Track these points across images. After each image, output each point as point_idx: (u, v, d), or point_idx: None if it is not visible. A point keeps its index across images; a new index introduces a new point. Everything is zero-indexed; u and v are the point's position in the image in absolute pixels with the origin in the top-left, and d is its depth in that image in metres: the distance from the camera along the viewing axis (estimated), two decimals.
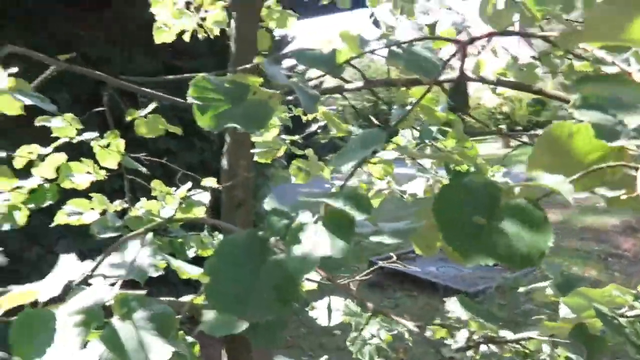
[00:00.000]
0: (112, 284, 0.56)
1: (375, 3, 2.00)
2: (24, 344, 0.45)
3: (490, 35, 0.68)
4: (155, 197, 1.82)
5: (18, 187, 1.41)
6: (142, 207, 1.79)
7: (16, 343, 0.45)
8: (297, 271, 0.47)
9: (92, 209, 1.65)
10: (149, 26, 2.18)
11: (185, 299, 1.16)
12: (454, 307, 1.62)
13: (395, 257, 2.62)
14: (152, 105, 1.53)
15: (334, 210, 0.51)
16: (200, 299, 1.14)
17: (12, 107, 1.20)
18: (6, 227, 1.39)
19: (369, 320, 1.22)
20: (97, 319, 0.48)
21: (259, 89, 0.77)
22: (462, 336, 1.56)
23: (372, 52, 0.68)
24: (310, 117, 2.15)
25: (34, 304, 0.50)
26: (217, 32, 2.23)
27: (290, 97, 1.25)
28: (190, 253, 1.82)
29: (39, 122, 1.45)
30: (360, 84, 0.99)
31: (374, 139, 0.59)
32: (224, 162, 1.34)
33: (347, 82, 1.19)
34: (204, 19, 2.23)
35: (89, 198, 1.63)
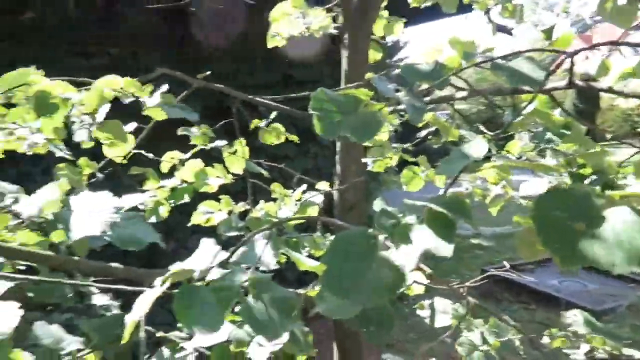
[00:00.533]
0: (247, 268, 0.67)
1: (483, 6, 1.97)
2: (184, 312, 0.57)
3: (596, 46, 0.68)
4: (273, 199, 1.98)
5: (162, 186, 1.65)
6: (261, 208, 1.97)
7: (178, 311, 0.57)
8: (402, 265, 0.53)
9: (220, 210, 1.85)
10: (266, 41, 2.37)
11: (301, 291, 1.27)
12: (573, 320, 1.55)
13: (508, 266, 2.53)
14: (272, 115, 1.68)
15: (436, 212, 0.56)
16: (313, 292, 1.24)
17: (161, 117, 1.43)
18: (153, 219, 1.62)
19: (467, 315, 1.23)
20: (237, 296, 0.58)
21: (370, 102, 0.85)
22: (582, 350, 1.49)
23: (477, 65, 0.72)
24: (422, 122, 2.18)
25: (188, 280, 0.62)
26: (318, 35, 2.35)
27: (401, 106, 1.31)
28: (304, 253, 1.95)
29: (180, 132, 1.67)
30: (465, 93, 1.02)
31: (477, 149, 0.63)
32: (337, 167, 1.43)
33: (458, 88, 1.21)
34: (309, 27, 2.37)
35: (217, 200, 1.84)
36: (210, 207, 1.77)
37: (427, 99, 1.17)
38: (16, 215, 0.76)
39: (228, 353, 1.08)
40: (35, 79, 1.25)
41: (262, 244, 0.91)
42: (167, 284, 0.58)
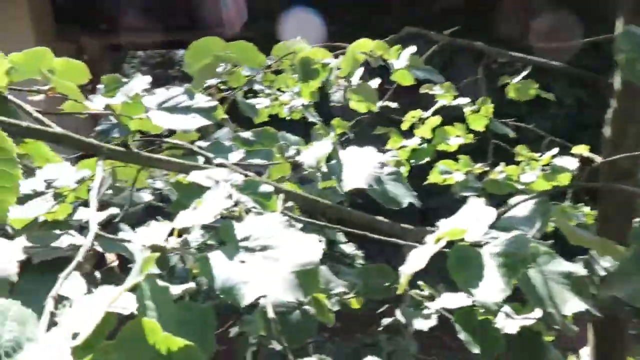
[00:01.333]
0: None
1: None
2: (461, 273, 0.55)
3: None
4: (515, 162, 1.83)
5: (403, 146, 1.68)
6: (502, 171, 1.84)
7: (454, 271, 0.56)
8: None
9: (458, 170, 1.80)
10: None
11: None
12: None
13: None
14: (525, 72, 1.53)
15: None
16: None
17: (407, 79, 1.44)
18: None
19: None
20: (525, 265, 0.54)
21: None
22: None
23: None
24: None
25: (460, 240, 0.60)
26: None
27: None
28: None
29: (423, 89, 1.66)
30: None
31: None
32: (607, 129, 1.22)
33: None
34: None
35: (454, 159, 1.79)
36: (449, 166, 1.73)
37: None
38: (298, 166, 0.85)
39: (473, 318, 1.04)
40: (299, 47, 1.38)
41: (525, 210, 0.84)
42: (443, 243, 0.57)
